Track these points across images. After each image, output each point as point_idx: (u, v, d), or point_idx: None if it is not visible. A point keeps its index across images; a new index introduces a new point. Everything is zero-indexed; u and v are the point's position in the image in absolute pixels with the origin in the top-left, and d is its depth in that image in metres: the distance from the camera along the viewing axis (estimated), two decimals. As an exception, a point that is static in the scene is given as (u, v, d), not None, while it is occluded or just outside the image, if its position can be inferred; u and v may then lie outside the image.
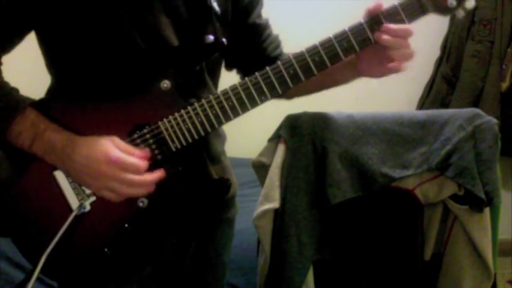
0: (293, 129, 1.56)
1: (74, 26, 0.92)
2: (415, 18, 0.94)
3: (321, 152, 1.57)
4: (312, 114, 1.53)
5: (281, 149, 1.58)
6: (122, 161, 0.88)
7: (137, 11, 0.94)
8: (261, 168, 1.64)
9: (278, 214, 1.59)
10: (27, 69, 1.45)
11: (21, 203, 0.97)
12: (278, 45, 1.20)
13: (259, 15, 1.16)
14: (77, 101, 0.97)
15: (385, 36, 0.94)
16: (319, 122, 1.58)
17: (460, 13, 0.95)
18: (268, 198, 1.59)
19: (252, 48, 1.10)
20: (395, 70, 0.99)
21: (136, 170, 0.90)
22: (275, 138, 1.60)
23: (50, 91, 1.05)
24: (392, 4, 0.93)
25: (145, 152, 0.93)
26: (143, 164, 0.91)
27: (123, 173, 0.88)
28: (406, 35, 0.95)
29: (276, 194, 1.57)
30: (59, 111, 0.95)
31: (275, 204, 1.57)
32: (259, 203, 1.61)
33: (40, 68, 1.03)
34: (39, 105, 0.94)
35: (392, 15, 0.94)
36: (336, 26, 0.97)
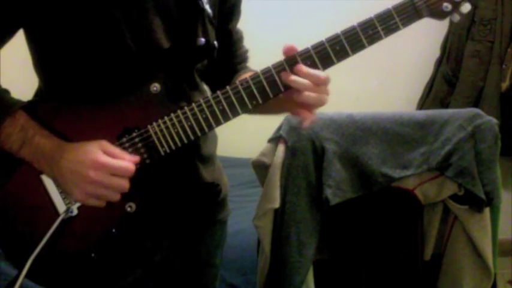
0: (293, 129, 1.57)
1: (65, 24, 0.91)
2: (409, 23, 0.92)
3: (321, 152, 1.57)
4: (312, 114, 1.53)
5: (281, 149, 1.58)
6: (110, 166, 0.87)
7: (129, 12, 0.93)
8: (261, 168, 1.64)
9: (278, 214, 1.59)
10: (17, 70, 1.44)
11: (6, 205, 0.95)
12: (244, 60, 1.19)
13: (236, 26, 1.16)
14: (65, 103, 0.95)
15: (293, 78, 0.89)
16: (319, 122, 1.59)
17: (456, 17, 0.94)
18: (268, 198, 1.59)
19: (221, 55, 1.07)
20: (305, 116, 0.93)
21: (125, 174, 0.88)
22: (275, 138, 1.61)
23: (38, 93, 1.03)
24: (386, 8, 0.92)
25: (135, 157, 0.91)
26: (132, 168, 0.89)
27: (112, 177, 0.87)
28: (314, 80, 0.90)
29: (276, 194, 1.57)
30: (47, 114, 0.93)
31: (275, 204, 1.57)
32: (259, 203, 1.61)
33: (30, 69, 1.02)
34: (28, 108, 0.93)
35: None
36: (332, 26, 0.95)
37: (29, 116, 0.92)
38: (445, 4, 0.92)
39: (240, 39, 1.18)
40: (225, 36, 1.09)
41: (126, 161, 0.89)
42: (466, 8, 0.92)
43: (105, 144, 0.90)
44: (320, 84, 0.91)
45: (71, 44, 0.93)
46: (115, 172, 0.87)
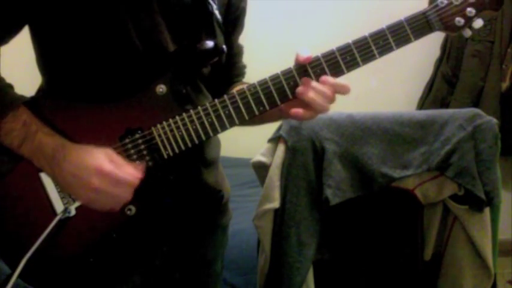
0: (293, 129, 1.57)
1: (72, 22, 0.90)
2: (421, 35, 0.92)
3: (321, 152, 1.57)
4: (312, 114, 1.53)
5: (281, 149, 1.58)
6: (114, 175, 0.84)
7: (137, 13, 0.92)
8: (261, 168, 1.64)
9: (278, 214, 1.59)
10: (20, 67, 1.44)
11: (3, 203, 0.93)
12: (241, 74, 1.20)
13: (237, 39, 1.16)
14: (68, 102, 0.94)
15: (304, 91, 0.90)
16: (319, 122, 1.59)
17: (468, 32, 0.94)
18: (268, 198, 1.59)
19: (219, 66, 1.07)
20: (309, 117, 0.95)
21: (129, 186, 0.86)
22: (275, 138, 1.61)
23: (41, 91, 1.02)
24: (398, 20, 0.92)
25: (140, 170, 0.89)
26: (136, 179, 0.87)
27: (115, 188, 0.85)
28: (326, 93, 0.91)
29: (276, 194, 1.57)
30: (50, 111, 0.92)
31: (275, 204, 1.57)
32: (259, 203, 1.61)
33: (33, 67, 1.01)
34: (31, 104, 0.92)
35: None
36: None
37: (32, 112, 0.91)
38: (458, 18, 0.92)
39: (240, 53, 1.18)
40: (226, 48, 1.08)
41: (132, 173, 0.87)
42: (478, 23, 0.92)
43: (111, 152, 0.88)
44: (344, 93, 0.92)
45: (76, 42, 0.92)
46: (119, 182, 0.86)
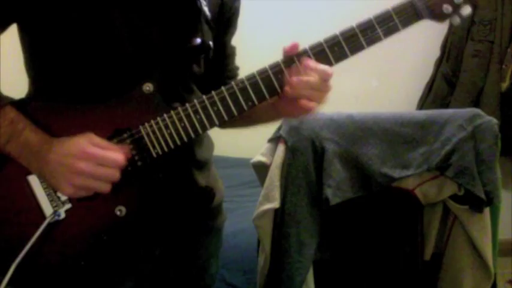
0: (293, 129, 1.57)
1: (60, 20, 0.89)
2: (409, 24, 0.91)
3: (321, 152, 1.57)
4: (312, 114, 1.53)
5: (281, 149, 1.58)
6: (98, 155, 0.84)
7: (126, 10, 0.92)
8: (261, 168, 1.64)
9: (278, 214, 1.59)
10: (9, 69, 1.44)
11: None
12: (233, 76, 1.20)
13: (230, 40, 1.16)
14: (56, 103, 0.93)
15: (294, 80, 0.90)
16: (319, 122, 1.59)
17: (456, 20, 0.93)
18: (268, 198, 1.59)
19: (211, 66, 1.07)
20: (306, 109, 0.93)
21: (114, 164, 0.86)
22: (275, 138, 1.61)
23: (29, 94, 1.01)
24: (385, 8, 0.92)
25: (124, 147, 0.89)
26: (122, 157, 0.86)
27: (101, 167, 0.84)
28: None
29: (276, 194, 1.57)
30: (38, 113, 0.91)
31: (275, 204, 1.57)
32: (259, 203, 1.61)
33: (22, 69, 1.01)
34: (18, 105, 0.90)
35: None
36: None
37: (19, 111, 0.90)
38: (445, 6, 0.91)
39: (232, 54, 1.18)
40: (218, 48, 1.07)
41: (115, 151, 0.87)
42: (466, 10, 0.92)
43: (93, 136, 0.87)
44: (327, 80, 0.90)
45: (64, 41, 0.91)
46: (104, 162, 0.85)
